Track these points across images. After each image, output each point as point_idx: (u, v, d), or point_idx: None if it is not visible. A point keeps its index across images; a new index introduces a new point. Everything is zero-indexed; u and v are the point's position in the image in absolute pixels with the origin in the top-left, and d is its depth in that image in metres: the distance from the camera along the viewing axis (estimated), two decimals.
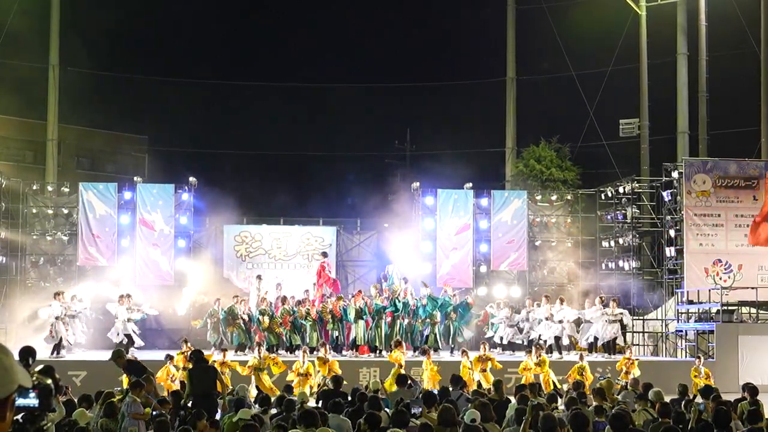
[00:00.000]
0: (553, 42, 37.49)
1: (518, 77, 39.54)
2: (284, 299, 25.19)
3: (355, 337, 24.49)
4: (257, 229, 30.47)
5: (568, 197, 31.12)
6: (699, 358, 21.21)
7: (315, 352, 21.89)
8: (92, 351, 25.09)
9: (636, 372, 20.27)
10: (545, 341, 24.97)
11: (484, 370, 20.47)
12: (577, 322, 25.80)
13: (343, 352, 24.44)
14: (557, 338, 25.26)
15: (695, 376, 20.11)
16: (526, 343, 25.35)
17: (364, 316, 24.52)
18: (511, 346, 26.05)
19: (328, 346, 21.62)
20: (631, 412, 11.87)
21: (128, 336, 24.51)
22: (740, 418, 12.30)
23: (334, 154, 40.70)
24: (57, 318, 23.67)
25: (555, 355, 24.34)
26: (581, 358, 21.05)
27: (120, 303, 24.88)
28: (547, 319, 25.30)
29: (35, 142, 40.05)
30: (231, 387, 15.86)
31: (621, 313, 25.14)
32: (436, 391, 13.92)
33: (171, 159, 39.73)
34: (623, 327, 25.56)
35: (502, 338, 26.14)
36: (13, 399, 3.34)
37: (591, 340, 25.39)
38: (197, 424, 10.83)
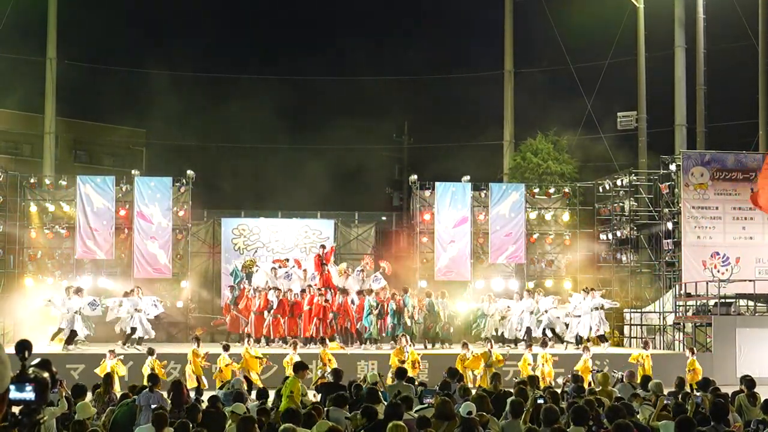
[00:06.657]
0: (551, 35, 37.46)
1: (516, 70, 39.47)
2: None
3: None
4: (255, 222, 30.44)
5: (566, 190, 31.10)
6: (692, 350, 21.35)
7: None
8: (91, 344, 25.07)
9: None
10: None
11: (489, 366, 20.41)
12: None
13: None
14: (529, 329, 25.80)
15: (689, 371, 20.17)
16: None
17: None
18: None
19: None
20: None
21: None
22: (738, 411, 12.33)
23: (332, 146, 40.60)
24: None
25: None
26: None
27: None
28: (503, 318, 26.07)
29: (33, 136, 39.98)
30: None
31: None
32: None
33: (169, 152, 39.66)
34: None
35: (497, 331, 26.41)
36: (7, 392, 3.35)
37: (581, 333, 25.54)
38: (197, 417, 10.83)
